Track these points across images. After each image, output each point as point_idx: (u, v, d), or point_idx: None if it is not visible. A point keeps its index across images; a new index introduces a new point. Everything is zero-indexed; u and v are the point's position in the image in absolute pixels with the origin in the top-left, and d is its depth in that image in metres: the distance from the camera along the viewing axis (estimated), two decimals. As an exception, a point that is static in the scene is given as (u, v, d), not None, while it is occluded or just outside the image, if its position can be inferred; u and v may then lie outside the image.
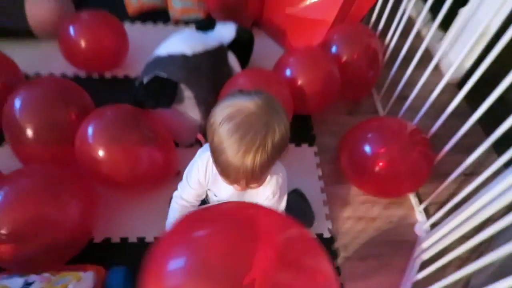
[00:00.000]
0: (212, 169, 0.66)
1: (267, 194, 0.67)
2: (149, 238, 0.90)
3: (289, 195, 0.77)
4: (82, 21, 1.15)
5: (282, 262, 0.43)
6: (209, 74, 0.94)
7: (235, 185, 0.59)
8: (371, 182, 0.96)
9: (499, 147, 0.79)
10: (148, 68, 0.96)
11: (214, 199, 0.73)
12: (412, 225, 0.99)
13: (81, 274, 0.68)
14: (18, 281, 0.63)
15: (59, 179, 0.79)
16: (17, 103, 0.89)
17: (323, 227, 0.96)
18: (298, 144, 1.12)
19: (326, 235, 0.95)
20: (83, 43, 1.13)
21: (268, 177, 0.66)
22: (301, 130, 1.15)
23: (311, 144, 1.13)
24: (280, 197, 0.70)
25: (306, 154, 1.10)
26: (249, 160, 0.52)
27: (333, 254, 0.92)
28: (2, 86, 0.95)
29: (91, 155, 0.83)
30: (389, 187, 0.96)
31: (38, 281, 0.62)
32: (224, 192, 0.69)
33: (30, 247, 0.72)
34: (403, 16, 1.10)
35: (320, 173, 1.06)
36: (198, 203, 0.76)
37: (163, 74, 0.91)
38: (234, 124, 0.51)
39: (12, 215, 0.71)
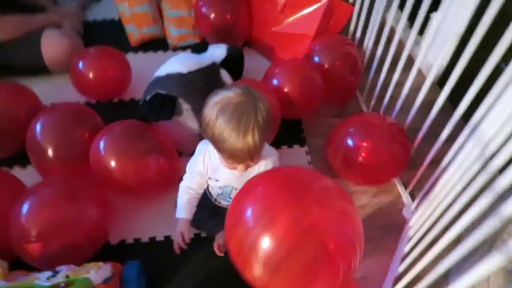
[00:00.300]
0: (210, 160, 0.79)
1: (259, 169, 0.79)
2: (159, 237, 1.00)
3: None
4: (90, 56, 1.30)
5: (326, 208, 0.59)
6: (204, 88, 1.06)
7: (239, 167, 0.71)
8: (357, 172, 1.06)
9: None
10: (149, 87, 1.09)
11: (216, 185, 0.85)
12: (400, 210, 1.07)
13: (100, 263, 0.78)
14: (47, 272, 0.73)
15: (77, 188, 0.90)
16: (38, 127, 1.02)
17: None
18: (290, 146, 1.23)
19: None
20: (91, 75, 1.28)
21: (264, 161, 0.77)
22: (293, 133, 1.26)
23: (302, 145, 1.23)
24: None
25: (298, 154, 1.20)
26: (250, 139, 0.64)
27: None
28: (25, 114, 1.09)
29: (104, 165, 0.95)
30: (373, 175, 1.05)
31: (64, 269, 0.72)
32: (224, 177, 0.81)
33: (54, 247, 0.83)
34: (376, 25, 1.23)
35: (312, 168, 1.16)
36: (202, 191, 0.88)
37: (163, 91, 1.04)
38: (228, 114, 0.63)
39: (38, 219, 0.83)
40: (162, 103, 1.03)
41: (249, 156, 0.67)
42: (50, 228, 0.83)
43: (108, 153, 0.95)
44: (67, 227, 0.84)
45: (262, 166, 0.80)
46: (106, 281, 0.75)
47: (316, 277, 0.57)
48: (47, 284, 0.67)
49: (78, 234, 0.86)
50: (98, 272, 0.72)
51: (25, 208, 0.84)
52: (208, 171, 0.81)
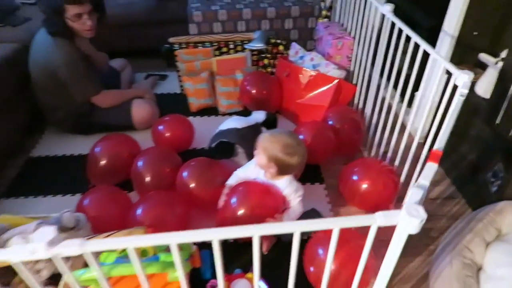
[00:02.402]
0: (249, 173, 1.32)
1: (284, 183, 1.29)
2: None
3: (309, 211, 1.31)
4: (165, 121, 1.79)
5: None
6: (252, 138, 1.54)
7: (270, 173, 1.23)
8: (360, 200, 1.47)
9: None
10: (215, 137, 1.58)
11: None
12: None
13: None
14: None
15: (170, 198, 1.34)
16: (139, 163, 1.49)
17: (332, 232, 1.44)
18: (312, 183, 1.66)
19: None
20: (166, 134, 1.76)
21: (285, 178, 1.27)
22: (314, 174, 1.70)
23: (321, 183, 1.66)
24: (296, 190, 1.30)
25: (318, 189, 1.63)
26: (296, 161, 1.18)
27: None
28: (129, 154, 1.57)
29: (186, 186, 1.40)
30: (371, 202, 1.46)
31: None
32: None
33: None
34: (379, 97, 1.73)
35: (329, 199, 1.57)
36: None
37: (225, 139, 1.52)
38: (287, 151, 1.20)
39: (148, 216, 1.26)
40: (224, 148, 1.51)
41: (293, 171, 1.26)
42: (156, 222, 1.25)
43: (188, 178, 1.40)
44: (165, 222, 1.27)
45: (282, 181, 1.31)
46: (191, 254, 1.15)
47: None
48: (162, 247, 1.08)
49: (172, 226, 1.27)
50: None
51: (138, 210, 1.28)
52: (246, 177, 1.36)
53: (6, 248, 0.58)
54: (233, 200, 1.28)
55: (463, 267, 1.11)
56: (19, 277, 1.07)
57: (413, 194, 0.65)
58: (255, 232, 0.61)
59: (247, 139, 1.54)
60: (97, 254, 0.62)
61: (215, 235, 0.61)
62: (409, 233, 0.62)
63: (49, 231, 0.57)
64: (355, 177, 1.47)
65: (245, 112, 1.86)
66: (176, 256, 0.63)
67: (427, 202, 1.56)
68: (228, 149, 1.51)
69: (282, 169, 1.28)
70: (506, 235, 1.23)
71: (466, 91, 0.98)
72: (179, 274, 0.65)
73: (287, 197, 1.32)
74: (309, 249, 1.21)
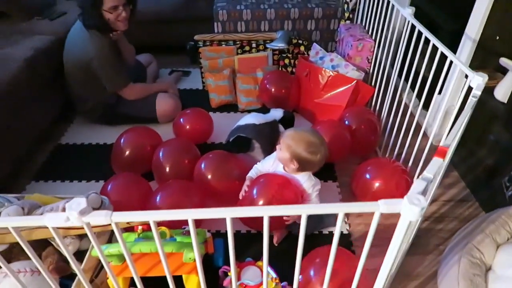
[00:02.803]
0: (268, 167, 1.38)
1: (303, 177, 1.32)
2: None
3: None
4: (187, 114, 1.88)
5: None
6: (269, 135, 1.60)
7: (291, 168, 1.28)
8: (372, 199, 1.48)
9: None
10: (232, 132, 1.64)
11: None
12: (404, 228, 1.47)
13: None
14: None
15: (188, 187, 1.41)
16: (160, 153, 1.57)
17: (343, 228, 1.47)
18: (325, 181, 1.69)
19: (345, 232, 1.46)
20: (187, 126, 1.84)
21: (303, 173, 1.30)
22: (328, 172, 1.73)
23: (334, 181, 1.70)
24: (314, 185, 1.34)
25: (331, 187, 1.67)
26: (318, 159, 1.24)
27: (350, 244, 1.41)
28: (151, 146, 1.65)
29: (203, 177, 1.46)
30: (384, 200, 1.48)
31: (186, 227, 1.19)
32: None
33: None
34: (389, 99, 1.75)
35: (341, 197, 1.61)
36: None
37: (242, 134, 1.58)
38: (311, 150, 1.24)
39: (166, 202, 1.33)
40: (242, 142, 1.56)
41: (313, 168, 1.33)
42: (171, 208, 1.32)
43: (206, 170, 1.47)
44: (181, 208, 1.33)
45: (301, 175, 1.35)
46: (206, 239, 1.21)
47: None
48: (178, 231, 1.15)
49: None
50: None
51: (157, 197, 1.35)
52: (265, 170, 1.40)
53: (44, 215, 0.65)
54: (254, 191, 1.33)
55: (470, 266, 1.12)
56: (47, 251, 1.16)
57: (417, 184, 0.69)
58: (264, 212, 0.66)
59: (263, 135, 1.59)
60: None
61: (228, 213, 0.67)
62: (410, 220, 0.66)
63: (81, 202, 0.63)
64: (367, 176, 1.49)
65: (264, 110, 1.92)
66: (192, 232, 0.69)
67: (439, 203, 1.57)
68: (245, 144, 1.56)
69: (303, 166, 1.31)
70: (518, 239, 1.23)
71: (479, 93, 1.00)
72: (194, 248, 0.71)
73: (305, 191, 1.36)
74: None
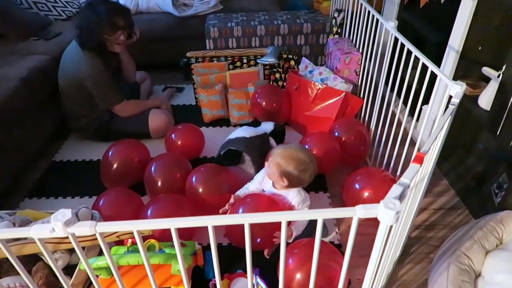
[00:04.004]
0: (257, 184, 1.36)
1: (293, 194, 1.30)
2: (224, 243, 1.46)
3: (314, 220, 1.36)
4: (178, 130, 1.89)
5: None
6: (259, 147, 1.62)
7: (280, 185, 1.27)
8: (363, 207, 1.50)
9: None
10: (224, 145, 1.66)
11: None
12: (395, 237, 1.48)
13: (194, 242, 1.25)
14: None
15: (179, 201, 1.42)
16: (152, 167, 1.59)
17: (334, 238, 1.48)
18: (316, 192, 1.71)
19: (336, 242, 1.46)
20: (179, 142, 1.86)
21: (294, 189, 1.28)
22: (319, 183, 1.74)
23: (325, 192, 1.71)
24: (304, 201, 1.33)
25: (322, 198, 1.68)
26: (308, 176, 1.25)
27: (341, 254, 1.41)
28: (140, 161, 1.67)
29: (195, 190, 1.48)
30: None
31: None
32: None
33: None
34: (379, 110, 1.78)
35: (331, 207, 1.62)
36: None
37: (233, 147, 1.60)
38: (301, 168, 1.25)
39: (157, 216, 1.34)
40: (232, 155, 1.59)
41: (301, 184, 1.33)
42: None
43: (197, 183, 1.49)
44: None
45: (291, 192, 1.34)
46: (195, 251, 1.22)
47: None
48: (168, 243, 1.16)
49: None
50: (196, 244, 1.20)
51: (148, 211, 1.36)
52: (258, 188, 1.40)
53: (30, 227, 0.67)
54: (240, 211, 1.31)
55: (459, 273, 1.13)
56: (37, 266, 1.16)
57: (393, 189, 0.71)
58: (246, 220, 0.68)
59: (254, 147, 1.61)
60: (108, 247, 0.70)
61: (209, 221, 0.68)
62: (387, 224, 0.68)
63: (67, 213, 0.65)
64: (357, 186, 1.51)
65: (255, 123, 1.95)
66: (175, 240, 0.70)
67: (430, 212, 1.58)
68: (235, 157, 1.59)
69: (293, 183, 1.32)
70: (507, 244, 1.24)
71: (457, 101, 1.03)
72: (178, 258, 0.72)
73: (295, 207, 1.36)
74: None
